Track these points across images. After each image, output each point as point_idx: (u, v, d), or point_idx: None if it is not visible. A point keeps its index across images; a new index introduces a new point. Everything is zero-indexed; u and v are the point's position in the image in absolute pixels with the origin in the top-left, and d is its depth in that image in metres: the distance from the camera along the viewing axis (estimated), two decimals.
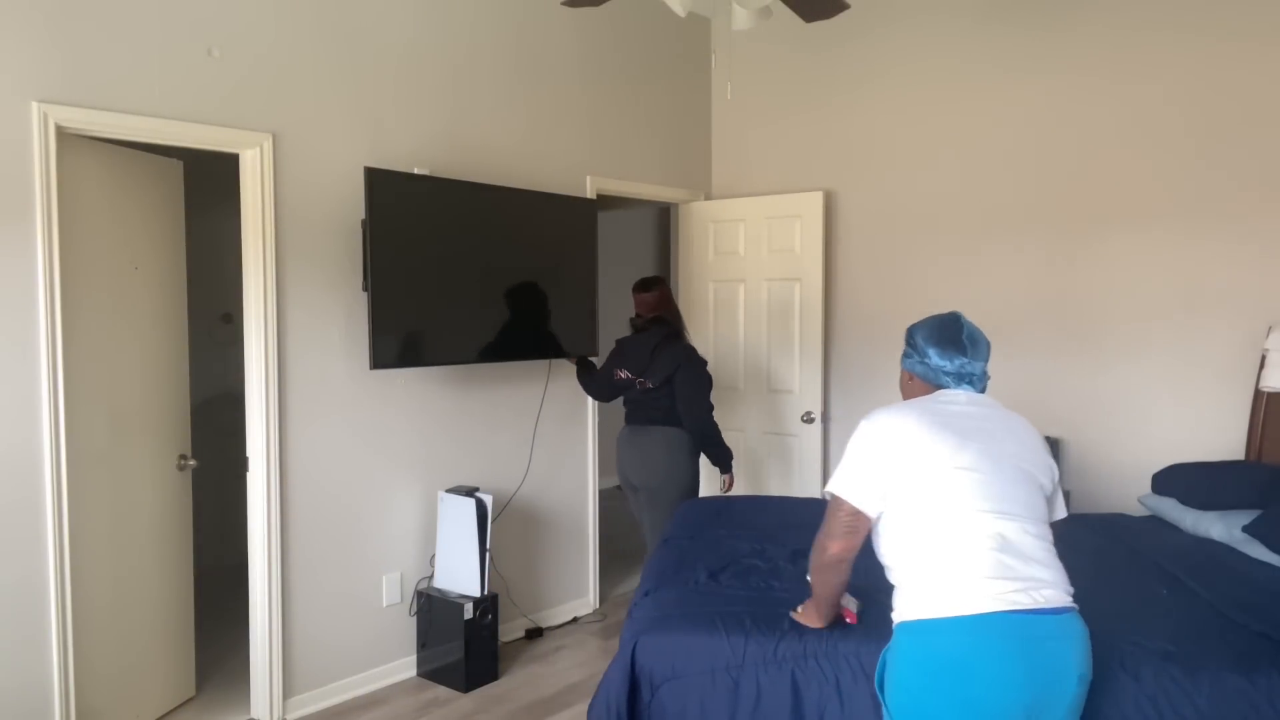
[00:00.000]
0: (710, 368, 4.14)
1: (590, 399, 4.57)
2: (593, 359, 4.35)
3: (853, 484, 2.02)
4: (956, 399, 2.15)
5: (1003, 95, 4.29)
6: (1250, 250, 3.69)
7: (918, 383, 2.24)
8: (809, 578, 2.24)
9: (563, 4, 3.24)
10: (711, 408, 3.99)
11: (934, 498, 1.95)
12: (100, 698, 3.10)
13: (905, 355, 2.26)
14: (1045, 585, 1.89)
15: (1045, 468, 2.08)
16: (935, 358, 2.18)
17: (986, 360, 2.21)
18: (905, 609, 1.97)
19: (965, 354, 2.17)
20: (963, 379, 2.17)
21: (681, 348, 3.96)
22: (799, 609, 2.36)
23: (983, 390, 2.20)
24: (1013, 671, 1.81)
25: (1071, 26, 4.08)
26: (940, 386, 2.19)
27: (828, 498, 2.09)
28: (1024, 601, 1.85)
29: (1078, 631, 1.91)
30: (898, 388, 2.33)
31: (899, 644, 1.97)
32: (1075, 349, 4.10)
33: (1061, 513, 2.14)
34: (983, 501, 1.94)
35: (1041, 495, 2.04)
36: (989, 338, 2.31)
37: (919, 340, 2.22)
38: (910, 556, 1.99)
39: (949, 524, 1.93)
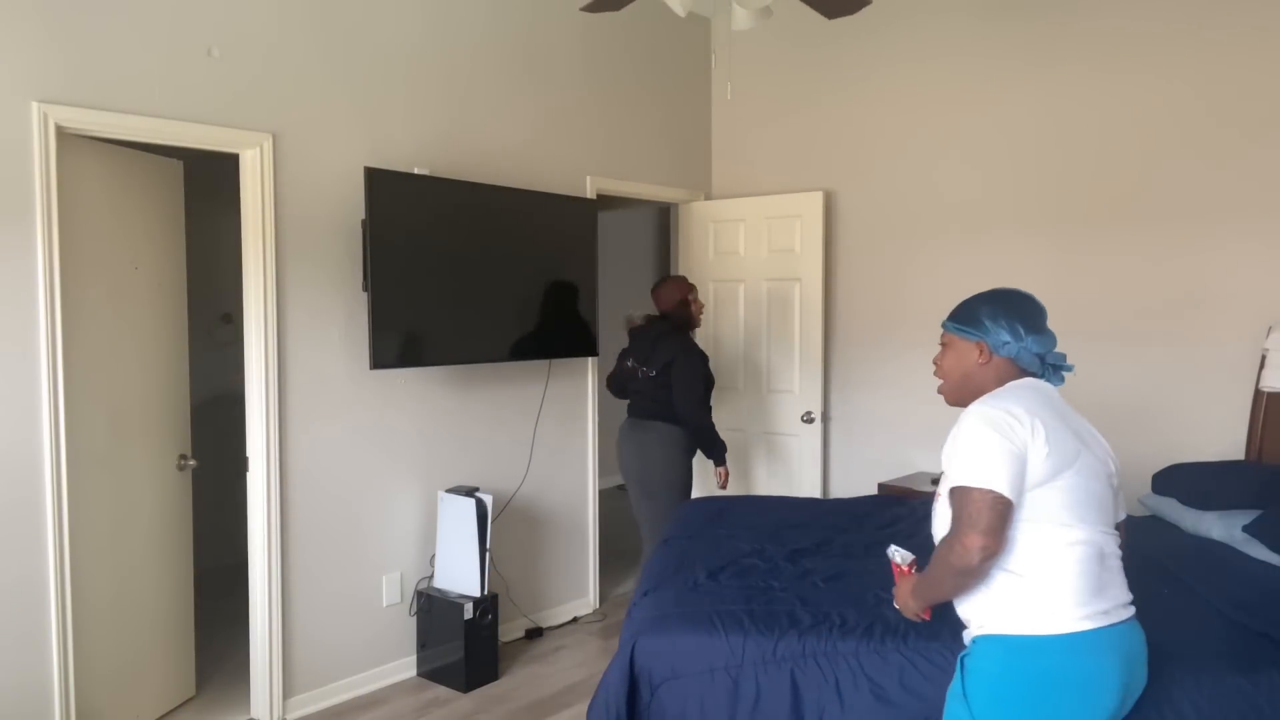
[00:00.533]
0: (711, 367, 4.15)
1: (591, 401, 4.57)
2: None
3: (996, 471, 1.74)
4: (1054, 392, 1.97)
5: (1002, 96, 4.29)
6: (1250, 250, 3.69)
7: (1001, 365, 1.97)
8: (907, 574, 2.07)
9: (582, 10, 3.23)
10: (705, 401, 4.08)
11: (1053, 503, 1.79)
12: (100, 698, 3.10)
13: (985, 331, 1.96)
14: (1128, 595, 1.86)
15: (1117, 471, 2.01)
16: (1033, 341, 1.95)
17: None
18: (1004, 621, 1.80)
19: (1054, 341, 2.00)
20: (1055, 370, 1.99)
21: (679, 341, 4.10)
22: (904, 597, 2.09)
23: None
24: (1116, 684, 1.77)
25: (1072, 27, 4.08)
26: (1029, 373, 1.98)
27: (942, 498, 1.89)
28: (1122, 615, 1.81)
29: (1143, 637, 1.89)
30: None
31: (999, 659, 1.81)
32: (1075, 348, 4.07)
33: (1123, 513, 2.05)
34: (1092, 512, 1.83)
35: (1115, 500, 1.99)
36: None
37: (1009, 317, 1.96)
38: (1017, 564, 1.81)
39: (1060, 535, 1.78)
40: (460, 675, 3.73)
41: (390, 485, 3.81)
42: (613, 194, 4.73)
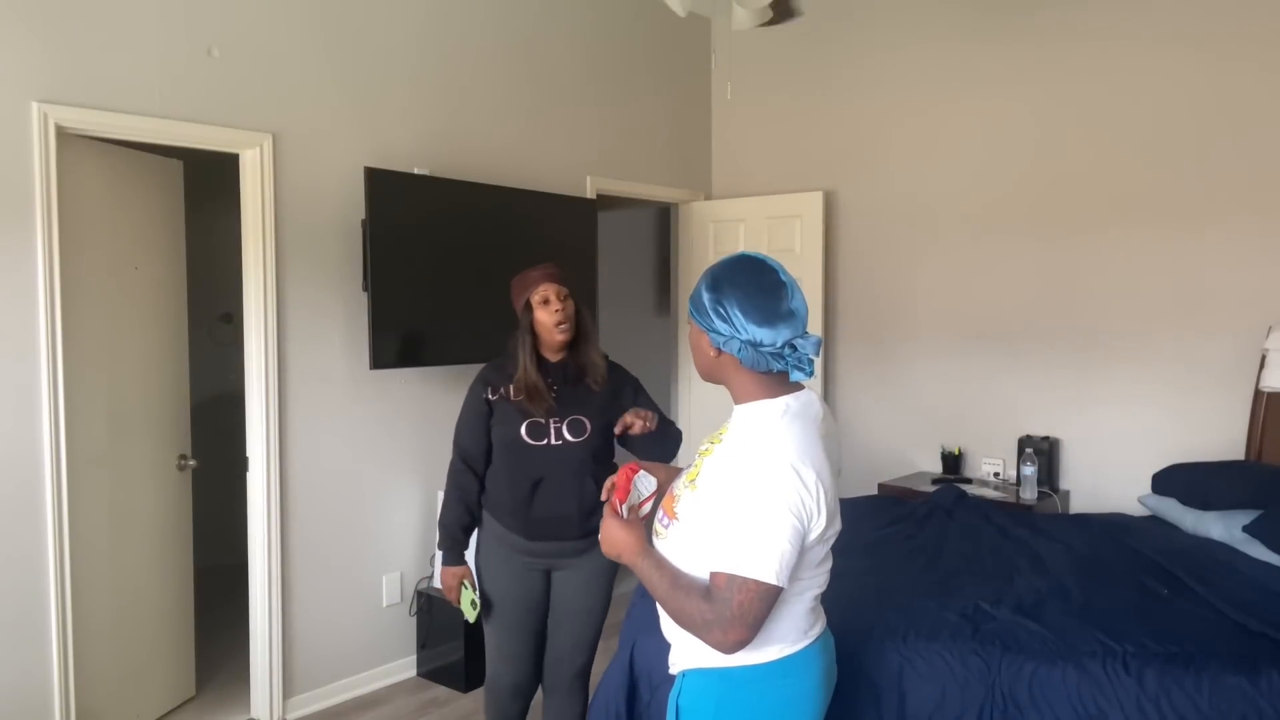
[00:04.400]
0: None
1: None
2: None
3: (781, 561, 1.51)
4: (815, 407, 1.66)
5: (1003, 95, 4.29)
6: (1250, 250, 3.69)
7: (731, 362, 1.62)
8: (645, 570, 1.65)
9: None
10: (455, 449, 2.67)
11: (797, 565, 1.57)
12: (100, 698, 3.10)
13: (708, 320, 1.61)
14: (823, 614, 1.77)
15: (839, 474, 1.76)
16: (763, 334, 1.57)
17: None
18: (717, 656, 1.61)
19: (799, 328, 1.59)
20: (803, 366, 1.59)
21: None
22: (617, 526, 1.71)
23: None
24: (823, 693, 1.72)
25: (1072, 27, 4.08)
26: (770, 373, 1.62)
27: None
28: (819, 630, 1.72)
29: (831, 636, 1.81)
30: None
31: (714, 693, 1.66)
32: (1076, 349, 4.10)
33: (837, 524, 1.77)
34: (822, 560, 1.67)
35: None
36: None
37: (728, 303, 1.58)
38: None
39: (789, 588, 1.58)
40: (460, 675, 3.73)
41: (390, 485, 3.81)
42: (613, 194, 4.73)
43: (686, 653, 1.68)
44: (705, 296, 1.61)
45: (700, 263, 5.10)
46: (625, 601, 2.82)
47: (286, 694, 3.50)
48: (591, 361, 2.62)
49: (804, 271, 4.73)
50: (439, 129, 3.90)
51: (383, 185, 3.50)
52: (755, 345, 1.57)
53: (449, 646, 3.75)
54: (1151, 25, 3.89)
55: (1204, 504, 3.31)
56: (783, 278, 1.61)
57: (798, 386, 1.66)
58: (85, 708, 3.02)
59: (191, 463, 3.53)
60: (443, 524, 2.69)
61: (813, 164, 4.88)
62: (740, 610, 1.51)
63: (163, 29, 3.09)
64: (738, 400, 1.67)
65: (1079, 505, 4.06)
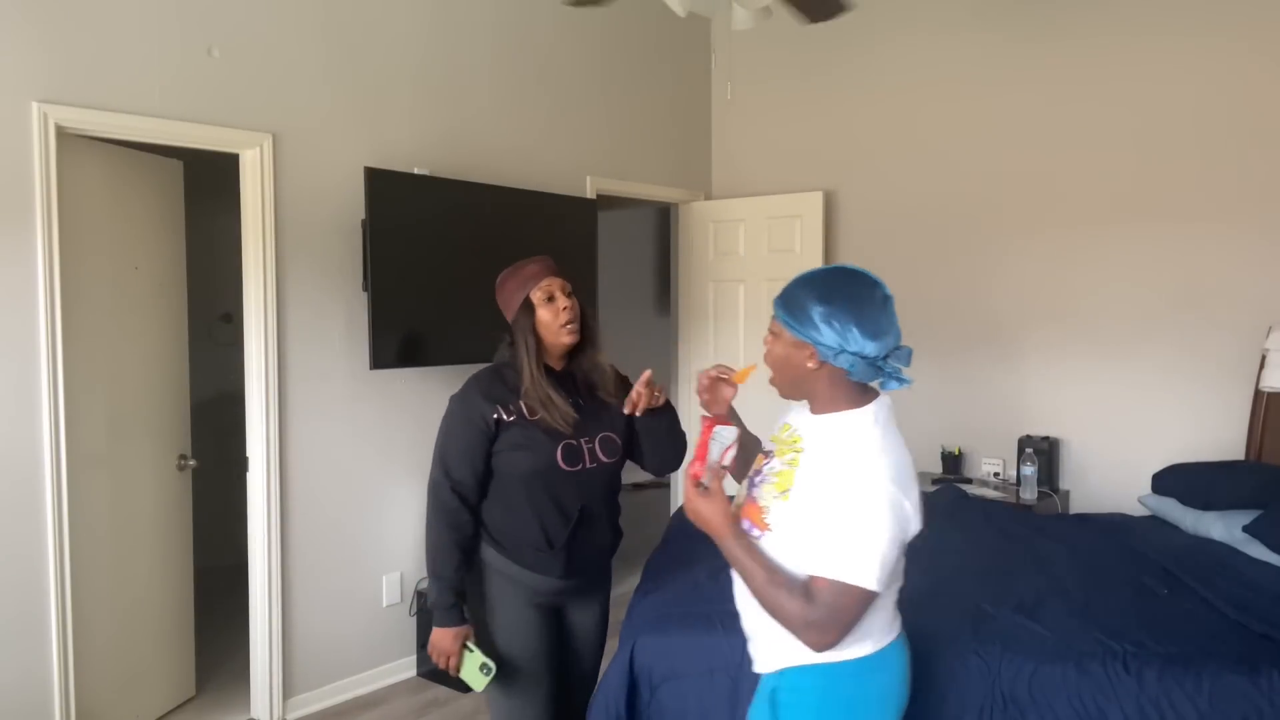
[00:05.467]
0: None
1: None
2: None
3: (883, 569, 1.57)
4: (891, 408, 1.71)
5: (1003, 95, 4.29)
6: (1250, 250, 3.69)
7: (834, 374, 1.65)
8: (745, 576, 1.66)
9: (565, 3, 3.23)
10: (444, 482, 2.18)
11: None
12: (100, 698, 3.10)
13: (816, 332, 1.61)
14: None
15: None
16: (872, 347, 1.60)
17: None
18: (814, 652, 1.65)
19: (897, 339, 1.64)
20: (900, 377, 1.65)
21: (473, 374, 2.37)
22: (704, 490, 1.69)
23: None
24: (907, 687, 1.79)
25: (1072, 27, 4.08)
26: (867, 385, 1.68)
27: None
28: (899, 627, 1.79)
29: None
30: (896, 387, 1.77)
31: (816, 690, 1.70)
32: (1076, 348, 4.10)
33: None
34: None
35: None
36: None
37: (842, 318, 1.60)
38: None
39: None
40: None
41: (390, 485, 3.81)
42: (613, 194, 4.73)
43: (782, 651, 1.70)
44: (816, 309, 1.62)
45: (700, 263, 5.10)
46: (625, 601, 2.81)
47: (286, 694, 3.50)
48: (600, 368, 2.26)
49: None
50: (439, 129, 3.90)
51: (383, 185, 3.50)
52: (865, 358, 1.60)
53: None
54: (1152, 25, 3.89)
55: (1204, 504, 3.31)
56: (887, 292, 1.66)
57: (874, 394, 1.70)
58: (85, 708, 3.02)
59: (191, 463, 3.53)
60: (438, 576, 2.16)
61: (813, 164, 4.88)
62: (841, 615, 1.57)
63: (163, 29, 3.09)
64: (823, 410, 1.70)
65: (1079, 505, 4.06)
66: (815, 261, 4.69)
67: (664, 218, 6.75)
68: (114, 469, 3.19)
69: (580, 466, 2.19)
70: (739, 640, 2.37)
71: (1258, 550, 2.99)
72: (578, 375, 2.26)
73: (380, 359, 3.53)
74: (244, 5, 3.29)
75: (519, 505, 2.18)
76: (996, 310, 4.28)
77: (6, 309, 2.81)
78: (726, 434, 1.76)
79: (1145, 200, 3.93)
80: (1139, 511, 3.66)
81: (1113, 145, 4.00)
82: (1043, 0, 4.15)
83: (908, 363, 1.64)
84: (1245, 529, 3.06)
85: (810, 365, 1.65)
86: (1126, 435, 3.97)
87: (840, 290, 1.63)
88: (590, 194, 4.52)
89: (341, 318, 3.60)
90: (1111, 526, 3.38)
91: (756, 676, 1.80)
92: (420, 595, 3.87)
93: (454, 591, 2.16)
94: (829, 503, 1.59)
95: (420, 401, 3.87)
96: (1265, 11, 3.63)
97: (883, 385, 1.66)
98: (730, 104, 5.13)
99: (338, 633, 3.65)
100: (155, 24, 3.07)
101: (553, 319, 2.19)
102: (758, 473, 1.79)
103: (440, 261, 3.73)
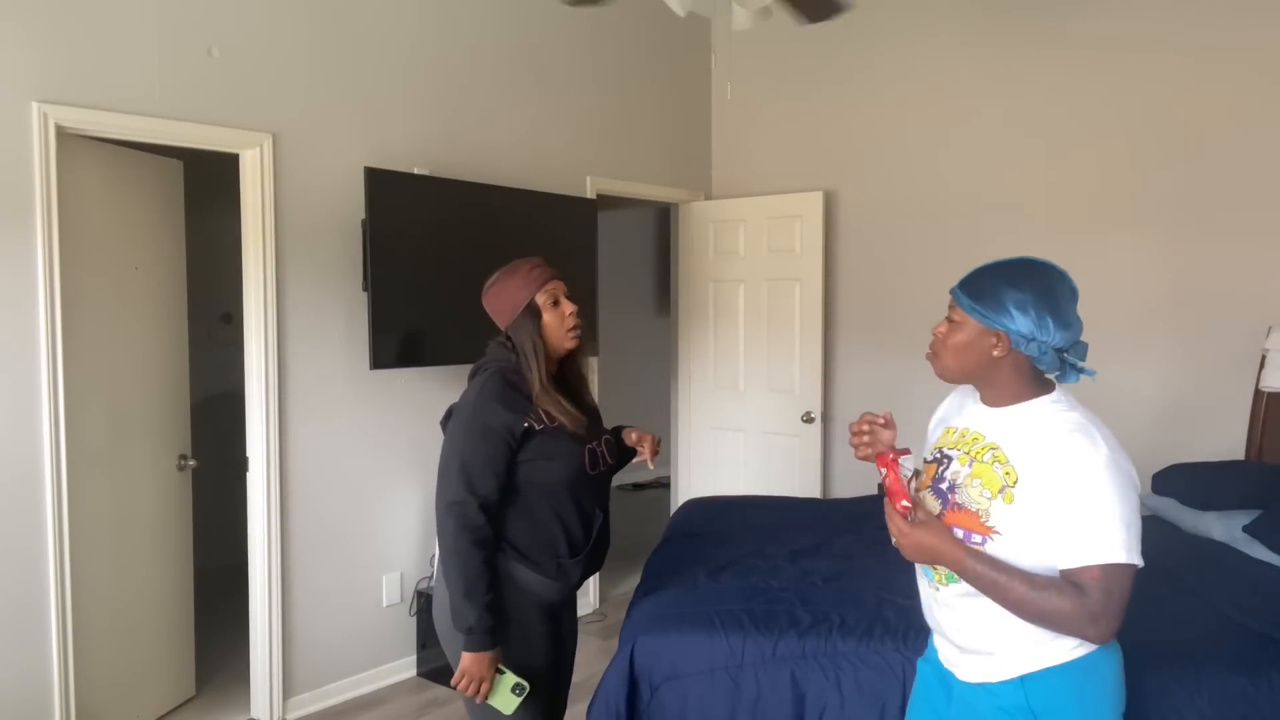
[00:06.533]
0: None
1: None
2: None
3: (1139, 542, 1.55)
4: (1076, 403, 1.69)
5: (1003, 95, 4.29)
6: (1250, 250, 3.69)
7: (1019, 360, 1.65)
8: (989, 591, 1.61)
9: (565, 2, 3.23)
10: (469, 499, 2.04)
11: None
12: (100, 698, 3.10)
13: (1010, 320, 1.62)
14: None
15: None
16: (1061, 337, 1.62)
17: None
18: (1061, 651, 1.63)
19: (1080, 330, 1.66)
20: (1074, 369, 1.67)
21: (478, 383, 2.21)
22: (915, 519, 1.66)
23: None
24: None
25: (1072, 26, 4.08)
26: (1050, 376, 1.70)
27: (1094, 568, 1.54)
28: None
29: None
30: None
31: (1072, 688, 1.65)
32: (1086, 358, 4.09)
33: None
34: None
35: None
36: None
37: (1038, 307, 1.61)
38: None
39: None
40: None
41: (390, 485, 3.81)
42: (613, 194, 4.73)
43: (1026, 656, 1.64)
44: (1011, 297, 1.62)
45: (700, 263, 5.10)
46: (624, 601, 2.81)
47: (286, 694, 3.50)
48: (584, 372, 2.30)
49: (804, 271, 4.74)
50: (439, 129, 3.90)
51: (382, 185, 3.50)
52: (1056, 347, 1.62)
53: None
54: (1152, 26, 3.89)
55: (1204, 504, 3.30)
56: (1074, 285, 1.67)
57: (1051, 386, 1.70)
58: (85, 708, 3.02)
59: (191, 463, 3.53)
60: (473, 599, 2.00)
61: (813, 164, 4.88)
62: (1119, 598, 1.53)
63: (163, 29, 3.09)
64: (1001, 400, 1.69)
65: None
66: (815, 261, 4.69)
67: (664, 218, 6.75)
68: (114, 469, 3.19)
69: (598, 470, 2.21)
70: (739, 640, 2.38)
71: (1258, 550, 2.99)
72: (569, 379, 2.25)
73: (380, 359, 3.53)
74: (243, 5, 3.29)
75: (544, 515, 2.13)
76: None
77: (6, 309, 2.81)
78: (908, 463, 1.73)
79: (1145, 200, 3.93)
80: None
81: (1112, 146, 4.00)
82: (1043, 1, 4.16)
83: (1084, 357, 1.66)
84: (1245, 529, 3.06)
85: (996, 353, 1.65)
86: (1126, 435, 3.95)
87: (1033, 279, 1.64)
88: (590, 194, 4.52)
89: (341, 318, 3.60)
90: None
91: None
92: (420, 595, 3.87)
93: (492, 613, 2.03)
94: (1063, 491, 1.56)
95: (420, 401, 3.87)
96: (1266, 12, 3.63)
97: (1062, 378, 1.67)
98: (730, 104, 5.13)
99: (338, 633, 3.66)
100: (155, 24, 3.07)
101: (559, 324, 2.15)
102: (941, 480, 1.74)
103: (440, 261, 3.73)
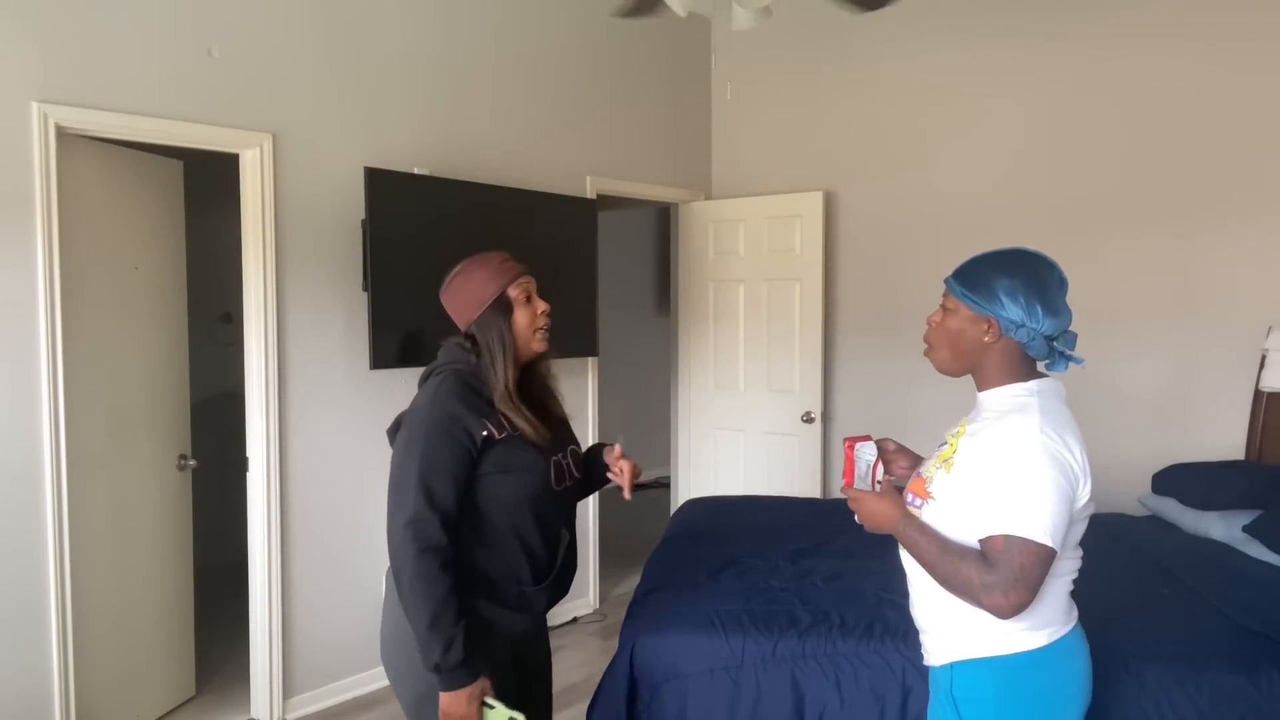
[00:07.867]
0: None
1: (591, 401, 4.56)
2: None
3: (1055, 522, 1.56)
4: (1059, 386, 1.73)
5: (1003, 95, 4.29)
6: (1250, 250, 3.69)
7: (1009, 347, 1.69)
8: (923, 569, 1.68)
9: (613, 15, 3.21)
10: (429, 516, 1.81)
11: (1065, 539, 1.63)
12: (100, 698, 3.10)
13: (999, 306, 1.66)
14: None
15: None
16: (1050, 324, 1.66)
17: None
18: (991, 644, 1.66)
19: (1070, 319, 1.70)
20: (1063, 357, 1.71)
21: (429, 387, 2.03)
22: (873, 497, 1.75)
23: None
24: (1088, 679, 1.75)
25: (1072, 28, 4.08)
26: (1037, 363, 1.72)
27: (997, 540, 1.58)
28: (1076, 617, 1.76)
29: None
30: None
31: (992, 682, 1.67)
32: (1075, 348, 4.09)
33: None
34: (1078, 539, 1.72)
35: None
36: None
37: (1028, 293, 1.65)
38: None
39: (1056, 566, 1.62)
40: None
41: None
42: (613, 194, 4.73)
43: (955, 643, 1.70)
44: (1001, 284, 1.67)
45: (700, 263, 5.10)
46: (625, 601, 2.82)
47: (286, 694, 3.50)
48: (552, 376, 2.07)
49: (804, 271, 4.74)
50: (439, 129, 3.90)
51: (383, 185, 3.50)
52: (1044, 335, 1.66)
53: None
54: (1151, 26, 3.89)
55: (1204, 504, 3.31)
56: (1064, 275, 1.71)
57: (1038, 376, 1.72)
58: (85, 707, 3.02)
59: (191, 462, 3.53)
60: (440, 631, 1.76)
61: (813, 164, 4.88)
62: (1021, 571, 1.54)
63: (163, 29, 3.09)
64: (989, 385, 1.73)
65: None
66: (815, 261, 4.70)
67: (664, 218, 6.75)
68: (114, 469, 3.19)
69: (564, 485, 2.00)
70: (739, 640, 2.39)
71: (1258, 550, 2.99)
72: (534, 384, 2.03)
73: (380, 359, 3.53)
74: (244, 5, 3.29)
75: (502, 538, 1.90)
76: None
77: (6, 309, 2.80)
78: (867, 451, 1.81)
79: (1145, 201, 3.93)
80: (1139, 511, 3.66)
81: (1113, 144, 4.00)
82: (1043, 2, 4.16)
83: (1073, 346, 1.70)
84: (1245, 529, 3.06)
85: (987, 339, 1.70)
86: (1126, 435, 3.97)
87: (1023, 267, 1.69)
88: (590, 194, 4.52)
89: (341, 317, 3.60)
90: (1111, 526, 3.38)
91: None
92: None
93: (464, 645, 1.78)
94: (989, 463, 1.62)
95: None
96: (1267, 12, 3.63)
97: (1051, 365, 1.71)
98: (730, 104, 5.13)
99: (338, 633, 3.65)
100: (155, 24, 3.07)
101: (529, 322, 1.98)
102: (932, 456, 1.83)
103: (440, 261, 3.67)
